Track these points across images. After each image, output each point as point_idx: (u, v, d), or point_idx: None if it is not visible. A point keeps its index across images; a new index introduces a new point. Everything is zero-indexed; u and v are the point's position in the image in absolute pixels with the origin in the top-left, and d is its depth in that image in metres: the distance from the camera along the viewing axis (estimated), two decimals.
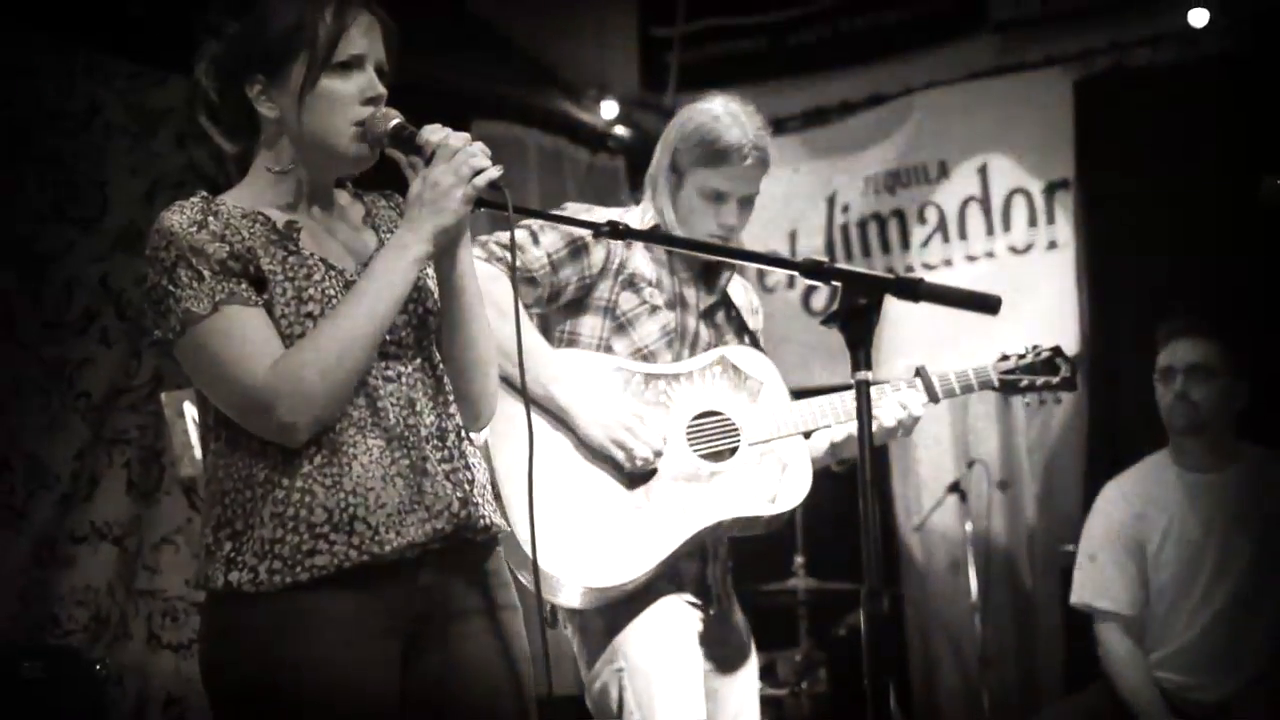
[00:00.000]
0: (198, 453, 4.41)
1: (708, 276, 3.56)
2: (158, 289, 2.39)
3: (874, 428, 3.24)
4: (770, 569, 5.78)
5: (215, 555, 2.40)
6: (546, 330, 3.44)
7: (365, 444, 2.43)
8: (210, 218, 2.42)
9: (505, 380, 2.84)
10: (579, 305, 3.43)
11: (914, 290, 2.27)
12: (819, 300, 6.64)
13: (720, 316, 3.58)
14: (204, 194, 2.48)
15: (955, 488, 5.96)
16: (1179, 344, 4.49)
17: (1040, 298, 6.10)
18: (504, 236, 3.27)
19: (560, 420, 3.28)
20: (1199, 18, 5.76)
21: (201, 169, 5.23)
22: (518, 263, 3.28)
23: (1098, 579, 4.57)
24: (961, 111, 6.39)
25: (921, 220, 6.51)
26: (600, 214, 3.37)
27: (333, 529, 2.38)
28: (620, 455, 3.26)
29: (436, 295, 2.58)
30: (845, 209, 6.70)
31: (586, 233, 3.32)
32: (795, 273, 2.42)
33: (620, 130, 7.00)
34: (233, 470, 2.42)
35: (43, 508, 4.95)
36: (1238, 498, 4.45)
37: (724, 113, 3.46)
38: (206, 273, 2.37)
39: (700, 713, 3.24)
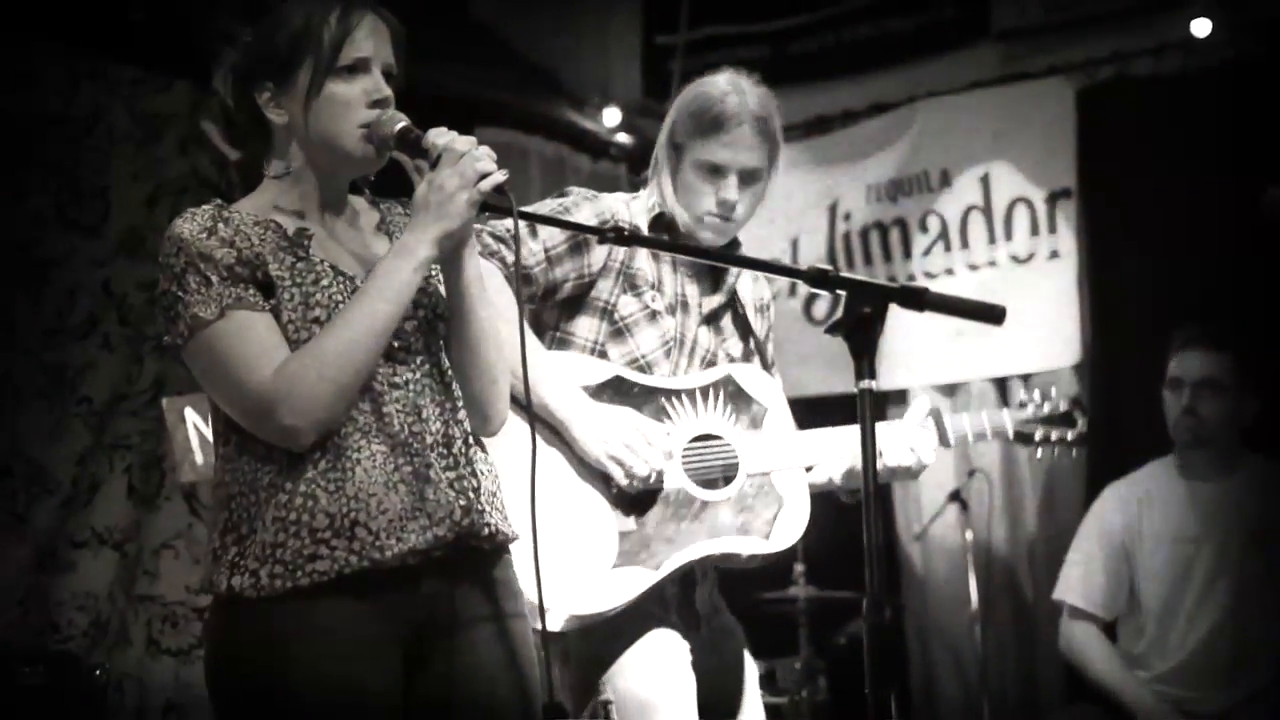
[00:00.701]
0: (199, 458, 4.42)
1: (715, 274, 3.42)
2: (168, 295, 2.41)
3: (879, 465, 3.14)
4: (770, 577, 5.76)
5: (220, 560, 2.42)
6: (538, 328, 3.29)
7: (369, 449, 2.43)
8: (220, 224, 2.43)
9: None
10: (576, 304, 3.28)
11: (919, 299, 2.27)
12: (820, 308, 6.64)
13: (725, 320, 3.44)
14: (218, 202, 2.50)
15: (956, 497, 5.95)
16: (1190, 355, 4.47)
17: (1042, 307, 6.10)
18: (499, 226, 3.16)
19: (555, 432, 3.14)
20: (1201, 28, 5.76)
21: (204, 175, 5.25)
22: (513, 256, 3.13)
23: (1080, 577, 4.58)
24: (964, 120, 6.39)
25: (923, 229, 6.50)
26: (605, 201, 3.32)
27: (334, 534, 2.38)
28: (618, 472, 3.12)
29: (445, 300, 2.58)
30: (847, 217, 6.69)
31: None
32: (800, 280, 2.41)
33: (622, 138, 6.99)
34: (239, 474, 2.44)
35: (44, 513, 4.95)
36: (1239, 507, 4.46)
37: (725, 81, 3.32)
38: (214, 278, 2.39)
39: None
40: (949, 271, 6.42)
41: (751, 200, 3.32)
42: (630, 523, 3.14)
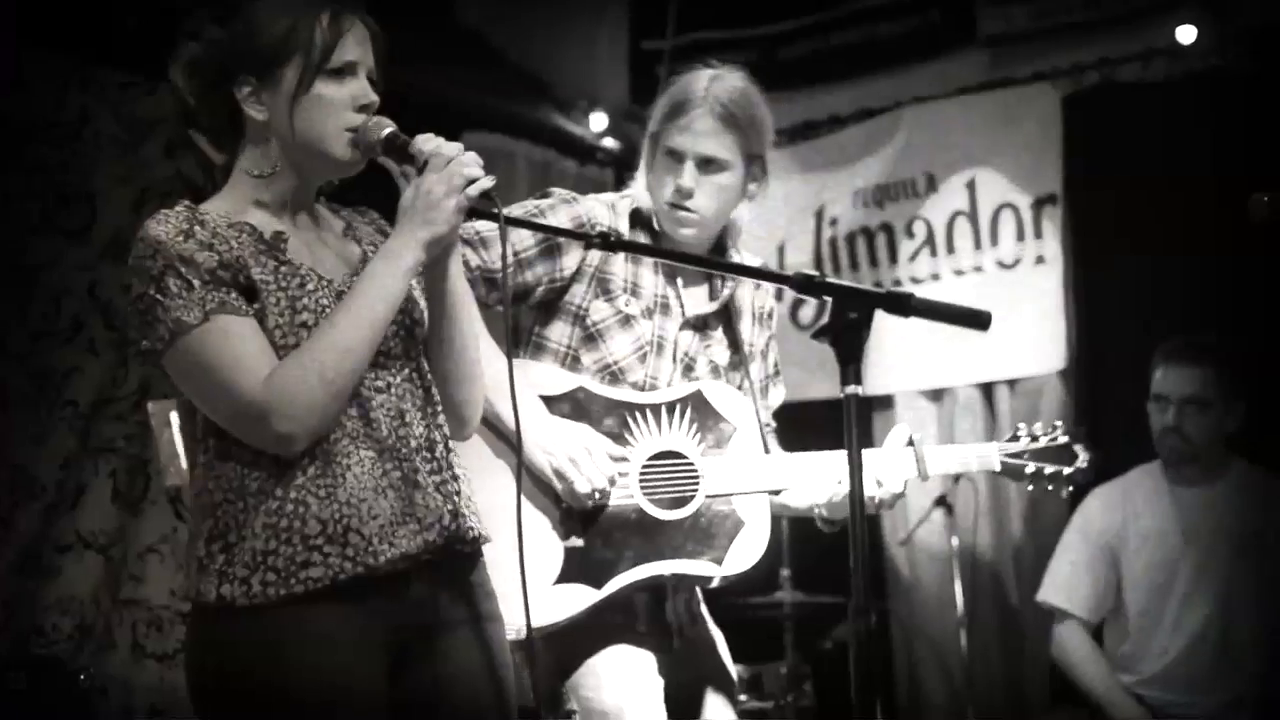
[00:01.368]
0: (184, 462, 4.39)
1: (710, 280, 3.36)
2: (145, 299, 2.38)
3: (842, 497, 3.15)
4: (756, 582, 5.76)
5: (207, 568, 2.39)
6: (515, 331, 3.23)
7: (358, 455, 2.43)
8: (197, 227, 2.41)
9: None
10: (550, 309, 3.23)
11: (905, 305, 2.28)
12: (807, 313, 6.64)
13: (713, 326, 3.37)
14: (187, 203, 2.47)
15: (942, 501, 5.95)
16: (1173, 371, 4.48)
17: (1028, 312, 6.10)
18: (468, 229, 3.08)
19: (507, 442, 3.04)
20: (1187, 34, 5.77)
21: (190, 179, 5.16)
22: (481, 260, 3.11)
23: (1065, 579, 4.60)
24: (950, 126, 6.39)
25: (910, 234, 6.51)
26: (585, 204, 3.27)
27: (326, 540, 2.37)
28: (560, 487, 3.06)
29: (423, 305, 2.59)
30: (834, 222, 6.70)
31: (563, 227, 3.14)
32: (786, 286, 2.41)
33: (609, 142, 7.00)
34: (224, 481, 2.41)
35: (28, 517, 4.94)
36: (1224, 512, 4.48)
37: (706, 71, 3.26)
38: (196, 282, 2.36)
39: None
40: (935, 277, 6.43)
41: (714, 191, 3.22)
42: (577, 539, 3.08)
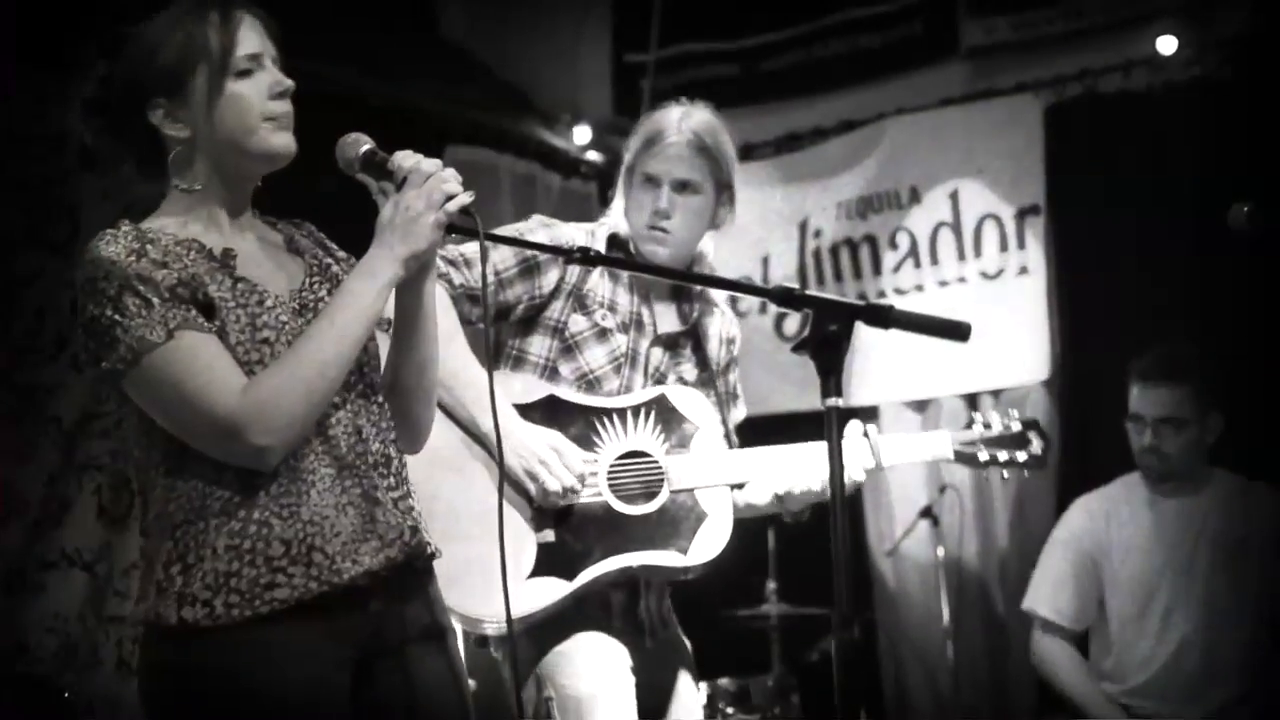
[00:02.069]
0: None
1: (678, 300, 3.55)
2: (101, 320, 2.35)
3: (805, 488, 3.35)
4: (743, 594, 5.78)
5: (166, 591, 2.36)
6: (496, 347, 3.39)
7: (320, 472, 2.43)
8: (148, 245, 2.39)
9: (440, 407, 2.89)
10: (530, 324, 3.40)
11: (884, 317, 2.28)
12: (791, 325, 6.65)
13: (684, 344, 3.54)
14: (129, 223, 2.46)
15: (928, 512, 5.96)
16: (1148, 391, 4.49)
17: (1012, 323, 6.12)
18: (451, 249, 3.26)
19: (483, 446, 3.24)
20: (1167, 45, 5.80)
21: None
22: (464, 278, 3.28)
23: (1048, 589, 4.61)
24: (933, 137, 6.42)
25: (893, 245, 6.52)
26: (563, 229, 3.43)
27: (290, 561, 2.37)
28: (532, 487, 3.23)
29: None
30: (817, 234, 6.71)
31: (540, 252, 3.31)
32: (767, 299, 2.43)
33: (593, 155, 7.00)
34: (184, 502, 2.39)
35: (12, 534, 4.92)
36: (1204, 523, 4.49)
37: (676, 106, 3.50)
38: (155, 300, 2.34)
39: None
40: (919, 288, 6.44)
41: (688, 214, 3.44)
42: (549, 535, 3.25)
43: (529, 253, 3.31)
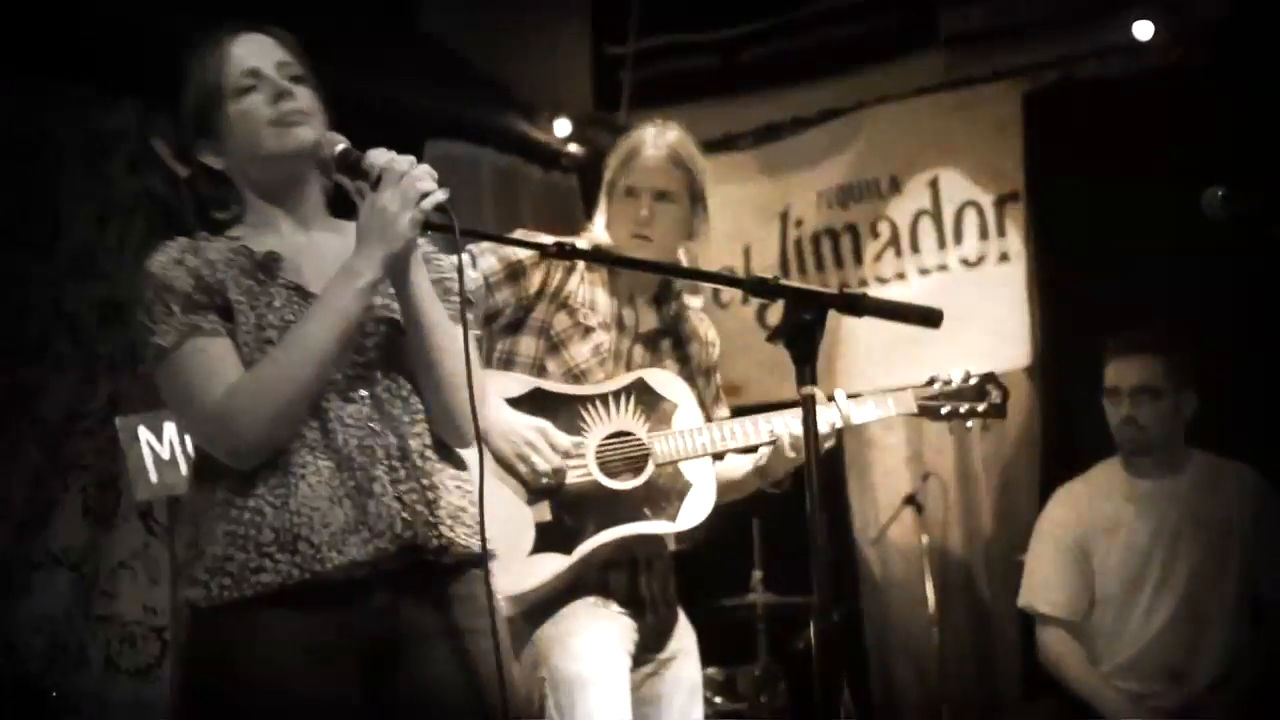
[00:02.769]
0: (153, 476, 4.41)
1: (658, 303, 3.70)
2: (140, 326, 2.51)
3: (781, 454, 3.52)
4: (728, 583, 5.80)
5: (183, 574, 2.52)
6: (485, 350, 3.56)
7: (315, 465, 2.48)
8: (189, 254, 2.54)
9: None
10: (517, 326, 3.56)
11: (857, 305, 2.30)
12: (775, 315, 6.64)
13: (664, 344, 3.70)
14: (204, 235, 2.60)
15: (911, 500, 5.99)
16: (1123, 363, 4.53)
17: (993, 309, 6.13)
18: (445, 261, 3.30)
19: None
20: (1144, 30, 5.81)
21: (156, 193, 5.22)
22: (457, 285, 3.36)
23: (1042, 582, 4.62)
24: (912, 126, 6.43)
25: (874, 234, 6.54)
26: (548, 241, 3.47)
27: (278, 549, 2.44)
28: (523, 469, 3.39)
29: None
30: (798, 224, 6.73)
31: (525, 255, 3.47)
32: (740, 289, 2.46)
33: (573, 148, 7.00)
34: (201, 492, 2.53)
35: None
36: (1185, 504, 4.51)
37: (646, 126, 3.69)
38: (176, 307, 2.48)
39: None
40: (900, 276, 6.46)
41: (668, 221, 3.62)
42: (546, 514, 3.42)
43: (514, 258, 3.49)
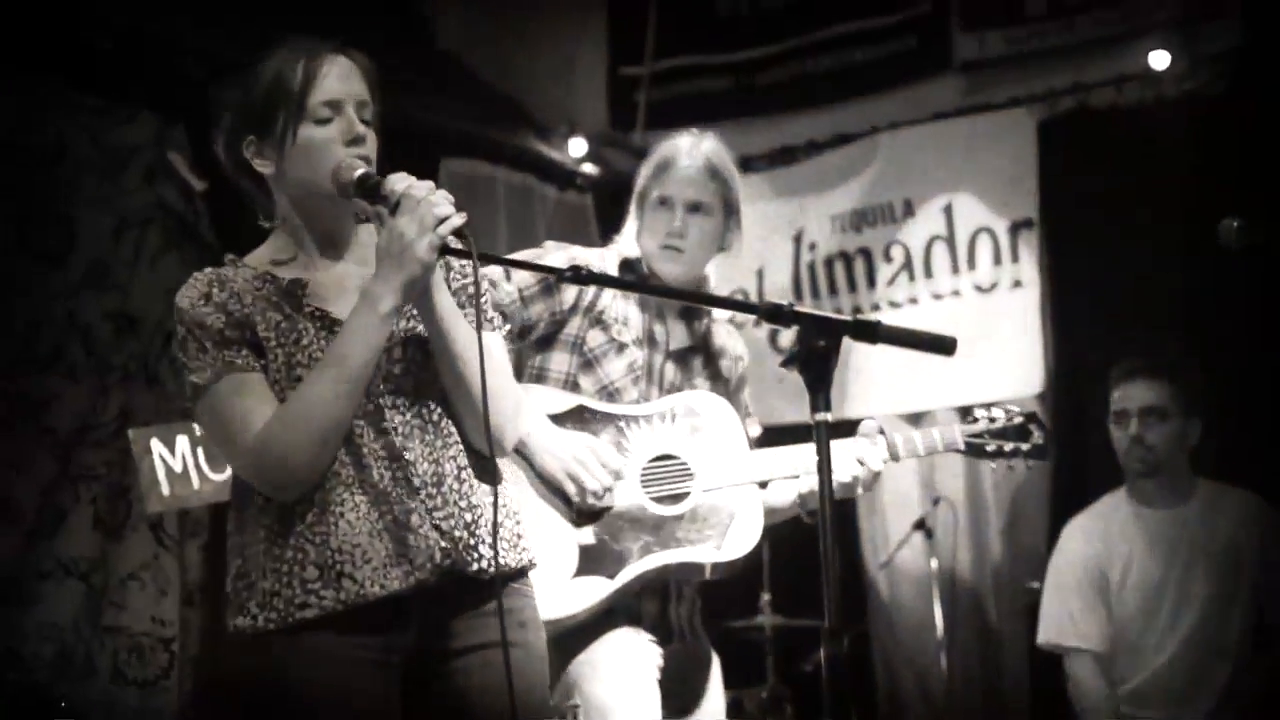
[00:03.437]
0: (165, 489, 4.41)
1: (688, 318, 3.65)
2: (177, 363, 2.56)
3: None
4: (737, 606, 5.79)
5: (232, 603, 2.55)
6: (518, 365, 3.49)
7: (353, 501, 2.52)
8: (215, 289, 2.55)
9: None
10: (549, 341, 3.51)
11: (871, 332, 2.30)
12: (787, 339, 6.65)
13: (695, 360, 3.64)
14: (230, 257, 2.63)
15: (921, 525, 5.98)
16: (1131, 386, 4.55)
17: (1005, 336, 6.13)
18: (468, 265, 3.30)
19: (518, 452, 3.32)
20: (1160, 60, 5.82)
21: (170, 206, 5.23)
22: (491, 298, 3.32)
23: (1065, 617, 4.61)
24: (927, 151, 6.43)
25: (887, 259, 6.54)
26: (576, 253, 3.52)
27: (323, 585, 2.49)
28: (571, 488, 3.34)
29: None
30: (812, 247, 6.73)
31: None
32: (755, 315, 2.46)
33: (588, 168, 7.01)
34: (244, 527, 2.57)
35: (8, 544, 4.93)
36: (1194, 533, 4.51)
37: (681, 136, 3.64)
38: (209, 344, 2.51)
39: None
40: (913, 301, 6.46)
41: (701, 232, 3.57)
42: (589, 537, 3.36)
43: None
